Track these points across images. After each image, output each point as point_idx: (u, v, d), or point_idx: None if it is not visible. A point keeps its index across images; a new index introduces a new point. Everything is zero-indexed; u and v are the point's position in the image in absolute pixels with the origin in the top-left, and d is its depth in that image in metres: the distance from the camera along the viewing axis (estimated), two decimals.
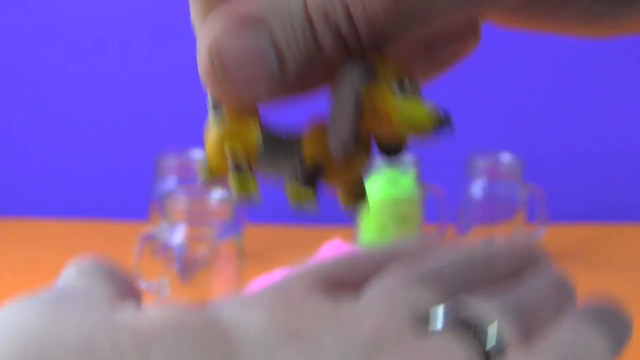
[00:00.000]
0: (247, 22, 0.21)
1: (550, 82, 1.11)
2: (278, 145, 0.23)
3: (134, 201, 1.07)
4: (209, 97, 0.24)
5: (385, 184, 0.91)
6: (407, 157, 0.94)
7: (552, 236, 0.99)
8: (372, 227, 0.91)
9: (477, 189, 0.93)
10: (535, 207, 0.95)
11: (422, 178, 0.95)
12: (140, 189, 1.05)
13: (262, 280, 0.71)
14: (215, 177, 0.24)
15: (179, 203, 0.72)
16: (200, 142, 1.02)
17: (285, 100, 0.23)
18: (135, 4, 1.08)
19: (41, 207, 1.11)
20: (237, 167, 0.23)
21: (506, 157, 0.94)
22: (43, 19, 1.08)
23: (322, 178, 0.23)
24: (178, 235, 0.72)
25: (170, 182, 0.91)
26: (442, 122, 0.21)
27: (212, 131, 0.24)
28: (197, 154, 0.93)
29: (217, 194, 0.74)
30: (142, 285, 0.74)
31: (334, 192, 0.24)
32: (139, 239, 0.74)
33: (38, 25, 1.09)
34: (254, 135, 0.23)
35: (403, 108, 0.21)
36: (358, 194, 0.24)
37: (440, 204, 0.94)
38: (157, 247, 0.75)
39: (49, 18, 1.08)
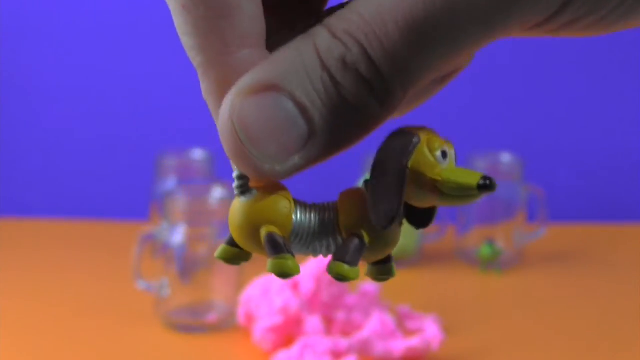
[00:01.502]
0: (264, 88, 0.20)
1: (550, 83, 1.11)
2: (310, 222, 0.23)
3: (134, 201, 1.07)
4: (235, 176, 0.22)
5: None
6: None
7: (552, 236, 0.99)
8: None
9: None
10: (535, 207, 0.95)
11: None
12: (140, 189, 1.05)
13: (262, 281, 0.71)
14: (240, 254, 0.23)
15: (179, 203, 0.72)
16: (200, 142, 1.02)
17: (321, 163, 0.21)
18: (136, 4, 1.08)
19: (41, 207, 1.11)
20: (276, 251, 0.22)
21: (506, 157, 0.94)
22: (44, 19, 1.08)
23: (364, 253, 0.22)
24: (178, 235, 0.72)
25: (170, 182, 0.91)
26: (488, 187, 0.21)
27: (241, 210, 0.22)
28: (197, 154, 0.93)
29: (217, 194, 0.74)
30: (142, 285, 0.74)
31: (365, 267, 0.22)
32: (139, 239, 0.74)
33: (39, 25, 1.09)
34: (289, 216, 0.22)
35: (450, 176, 0.21)
36: (387, 270, 0.23)
37: None
38: (157, 247, 0.75)
39: (49, 19, 1.08)
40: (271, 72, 0.20)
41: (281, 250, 0.22)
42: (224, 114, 0.21)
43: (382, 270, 0.23)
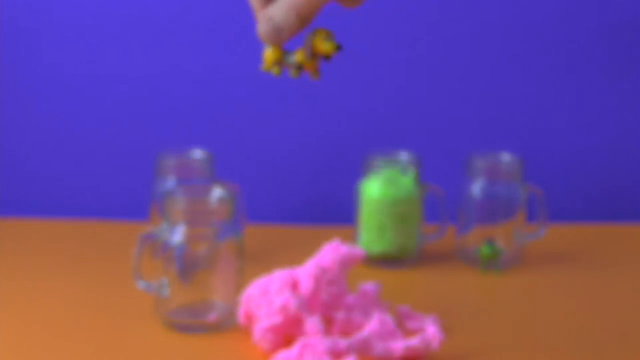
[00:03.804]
0: (270, 18, 0.58)
1: (550, 82, 1.11)
2: (289, 55, 0.60)
3: (134, 201, 1.07)
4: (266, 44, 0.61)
5: (385, 184, 0.91)
6: (407, 157, 0.94)
7: (552, 236, 0.99)
8: (372, 227, 0.92)
9: (477, 189, 0.93)
10: (535, 207, 0.95)
11: (422, 178, 0.95)
12: (140, 189, 1.05)
13: (262, 281, 0.71)
14: (272, 67, 0.61)
15: (179, 203, 0.72)
16: (200, 142, 1.02)
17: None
18: (136, 3, 1.09)
19: (41, 207, 1.11)
20: (291, 63, 0.60)
21: (506, 157, 0.94)
22: (44, 18, 1.08)
23: (304, 67, 0.60)
24: (178, 235, 0.72)
25: (170, 182, 0.91)
26: (340, 47, 0.59)
27: (269, 51, 0.60)
28: (197, 154, 0.93)
29: (217, 194, 0.74)
30: (142, 285, 0.74)
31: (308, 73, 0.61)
32: (139, 239, 0.74)
33: (38, 25, 1.09)
34: (285, 53, 0.60)
35: (326, 44, 0.59)
36: (318, 69, 0.61)
37: (440, 204, 0.94)
38: (157, 247, 0.75)
39: (49, 18, 1.09)
40: (273, 11, 0.59)
41: (292, 63, 0.60)
42: (261, 23, 0.59)
43: (317, 69, 0.62)
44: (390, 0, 1.07)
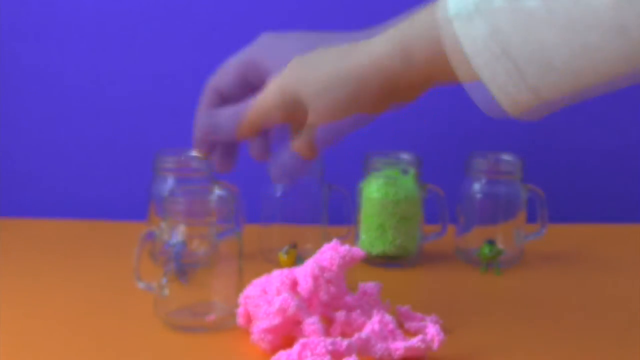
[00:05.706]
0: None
1: None
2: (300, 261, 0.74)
3: (134, 201, 1.07)
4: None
5: (385, 184, 0.91)
6: (407, 157, 0.94)
7: (552, 236, 0.99)
8: (372, 227, 0.91)
9: (477, 189, 0.93)
10: (535, 207, 0.95)
11: (422, 178, 0.94)
12: (140, 189, 1.05)
13: (262, 281, 0.71)
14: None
15: (179, 203, 0.72)
16: None
17: None
18: (136, 4, 1.08)
19: (41, 207, 1.11)
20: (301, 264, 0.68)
21: (506, 157, 0.94)
22: (43, 18, 1.08)
23: None
24: (178, 235, 0.72)
25: (169, 182, 0.91)
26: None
27: (284, 259, 0.83)
28: (196, 154, 0.93)
29: (216, 194, 0.74)
30: (142, 285, 0.74)
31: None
32: (139, 239, 0.74)
33: (38, 25, 1.09)
34: (298, 259, 0.83)
35: None
36: None
37: (440, 204, 0.94)
38: (157, 247, 0.75)
39: (48, 18, 1.08)
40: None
41: None
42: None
43: None
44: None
